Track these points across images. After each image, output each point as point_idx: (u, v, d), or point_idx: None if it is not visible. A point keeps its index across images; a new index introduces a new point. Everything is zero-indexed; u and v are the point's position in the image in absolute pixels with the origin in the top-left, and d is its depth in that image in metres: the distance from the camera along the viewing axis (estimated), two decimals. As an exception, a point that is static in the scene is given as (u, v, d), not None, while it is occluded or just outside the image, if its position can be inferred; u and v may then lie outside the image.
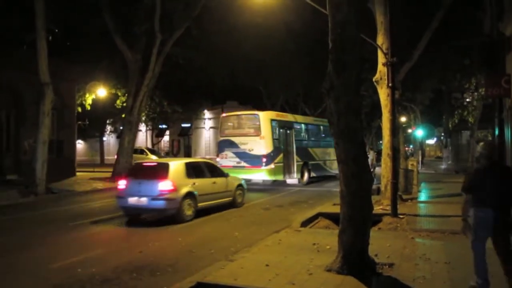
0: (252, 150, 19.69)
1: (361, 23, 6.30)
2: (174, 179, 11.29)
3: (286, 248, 7.79)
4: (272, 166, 19.57)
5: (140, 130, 46.61)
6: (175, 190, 11.15)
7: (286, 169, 20.75)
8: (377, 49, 12.55)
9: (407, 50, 15.60)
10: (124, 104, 25.89)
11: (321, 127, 25.03)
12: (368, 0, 12.99)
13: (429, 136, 57.89)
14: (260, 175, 19.68)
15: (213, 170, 13.51)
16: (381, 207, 12.04)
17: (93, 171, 28.48)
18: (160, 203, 10.99)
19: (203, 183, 12.35)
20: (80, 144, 49.54)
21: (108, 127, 43.55)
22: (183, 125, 45.80)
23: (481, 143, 5.51)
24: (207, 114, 45.02)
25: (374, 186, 15.31)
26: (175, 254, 7.84)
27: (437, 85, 25.91)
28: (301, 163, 21.91)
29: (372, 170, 19.65)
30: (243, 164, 19.64)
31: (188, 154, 46.38)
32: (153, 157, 37.04)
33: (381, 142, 21.49)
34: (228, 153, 20.26)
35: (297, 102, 39.40)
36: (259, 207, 13.93)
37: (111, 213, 12.82)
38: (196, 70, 29.09)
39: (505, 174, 5.23)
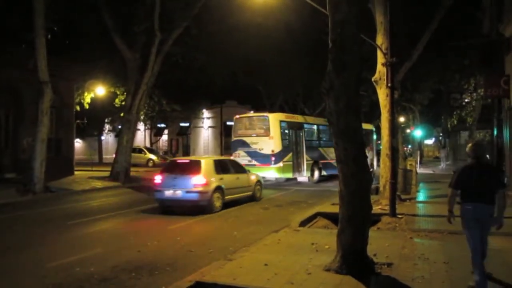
0: (262, 149, 20.85)
1: (361, 23, 6.30)
2: (206, 174, 12.72)
3: (285, 247, 7.78)
4: (280, 164, 20.66)
5: (139, 129, 46.56)
6: (207, 184, 12.55)
7: (296, 168, 21.78)
8: (376, 49, 12.56)
9: (406, 50, 15.61)
10: (123, 103, 25.84)
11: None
12: (368, 0, 12.98)
13: (427, 136, 57.94)
14: (269, 173, 20.64)
15: (236, 167, 14.94)
16: (379, 207, 12.05)
17: (92, 170, 28.40)
18: (193, 196, 12.37)
19: (229, 178, 13.73)
20: (78, 143, 49.43)
21: (107, 126, 43.50)
22: (181, 124, 45.80)
23: (469, 144, 6.00)
24: (205, 113, 45.05)
25: (372, 186, 15.41)
26: (174, 253, 7.82)
27: (436, 86, 25.95)
28: (311, 162, 22.88)
29: (371, 170, 19.83)
30: (254, 162, 20.62)
31: (186, 154, 46.37)
32: (152, 156, 37.10)
33: (379, 142, 21.55)
34: (241, 152, 21.45)
35: (296, 102, 39.40)
36: (258, 207, 13.92)
37: (110, 212, 12.87)
38: (195, 70, 29.04)
39: (489, 172, 5.70)
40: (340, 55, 5.89)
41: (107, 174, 23.44)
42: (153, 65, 22.68)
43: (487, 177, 5.59)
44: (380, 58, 12.36)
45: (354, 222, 6.14)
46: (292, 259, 6.91)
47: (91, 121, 38.26)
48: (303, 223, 10.55)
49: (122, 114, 25.87)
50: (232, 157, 20.68)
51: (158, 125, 44.53)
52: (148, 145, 44.06)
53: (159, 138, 46.60)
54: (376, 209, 11.69)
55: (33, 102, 18.70)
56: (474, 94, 29.08)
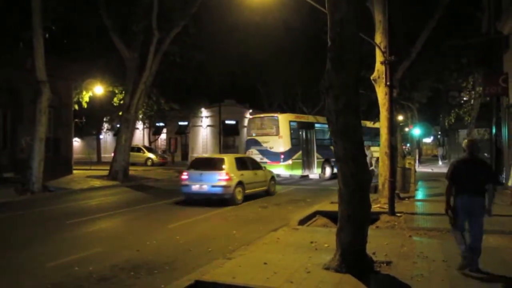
0: (272, 148, 22.43)
1: (359, 22, 6.29)
2: (229, 170, 14.13)
3: (284, 246, 7.78)
4: (289, 162, 22.11)
5: (137, 128, 46.44)
6: (230, 179, 13.95)
7: (306, 165, 23.32)
8: (375, 48, 12.55)
9: (404, 49, 15.60)
10: (121, 102, 25.83)
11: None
12: (367, -1, 12.99)
13: (426, 135, 57.99)
14: (279, 170, 21.79)
15: (254, 164, 16.44)
16: (378, 205, 12.05)
17: (90, 169, 28.37)
18: (218, 189, 13.82)
19: (248, 174, 15.13)
20: (77, 142, 49.33)
21: (105, 125, 43.43)
22: (180, 123, 45.71)
23: (465, 140, 6.55)
24: (204, 112, 44.96)
25: (371, 184, 15.42)
26: (173, 252, 7.82)
27: (435, 84, 25.91)
28: (322, 160, 24.05)
29: (371, 168, 20.08)
30: (265, 160, 21.83)
31: (185, 153, 46.32)
32: (150, 155, 37.04)
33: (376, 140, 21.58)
34: (254, 150, 23.02)
35: (295, 101, 39.40)
36: (257, 206, 13.92)
37: (109, 211, 12.86)
38: (194, 69, 29.01)
39: (481, 166, 6.22)
40: (340, 54, 5.89)
41: (105, 173, 23.44)
42: (151, 64, 22.66)
43: (479, 171, 6.12)
44: (379, 57, 12.35)
45: (353, 220, 6.14)
46: (291, 257, 6.92)
47: (89, 120, 38.21)
48: (302, 222, 10.54)
49: (120, 113, 25.85)
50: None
51: (157, 124, 44.41)
52: (146, 144, 43.97)
53: (158, 137, 46.50)
54: (375, 207, 11.69)
55: (31, 101, 18.67)
56: (473, 92, 29.06)
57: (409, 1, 16.28)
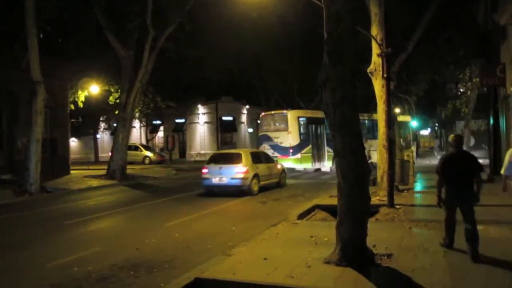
0: (282, 142, 23.83)
1: (355, 15, 6.24)
2: (246, 164, 15.27)
3: (283, 241, 7.75)
4: (298, 156, 23.56)
5: (134, 127, 46.36)
6: (247, 172, 15.13)
7: (316, 159, 24.64)
8: (370, 42, 12.50)
9: (401, 42, 15.55)
10: (117, 101, 25.73)
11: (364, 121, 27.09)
12: (363, -9, 12.92)
13: (423, 127, 58.06)
14: (288, 163, 22.80)
15: (267, 158, 17.79)
16: (377, 198, 12.03)
17: (88, 169, 28.28)
18: (237, 181, 15.02)
19: (262, 167, 16.31)
20: (74, 142, 49.14)
21: (102, 124, 43.29)
22: (177, 120, 45.63)
23: (451, 135, 6.96)
24: (201, 109, 44.88)
25: (370, 177, 15.40)
26: (172, 250, 7.77)
27: (432, 76, 25.90)
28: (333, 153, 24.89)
29: (370, 161, 20.39)
30: (276, 154, 23.05)
31: (183, 150, 46.26)
32: (148, 153, 36.96)
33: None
34: (266, 145, 24.40)
35: (292, 96, 39.32)
36: (256, 201, 13.89)
37: (107, 210, 12.81)
38: (190, 66, 28.93)
39: (468, 159, 6.62)
40: (336, 47, 5.83)
41: (103, 172, 23.36)
42: (147, 62, 22.55)
43: (467, 164, 6.55)
44: (375, 49, 12.30)
45: (353, 214, 6.11)
46: (291, 252, 6.88)
47: (86, 120, 38.15)
48: (301, 216, 10.52)
49: (117, 112, 25.76)
50: None
51: (154, 122, 44.31)
52: (144, 142, 43.88)
53: (155, 135, 46.40)
54: (374, 200, 11.64)
55: (27, 102, 18.58)
56: (469, 83, 29.06)
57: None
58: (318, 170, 25.82)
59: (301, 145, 23.83)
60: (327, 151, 24.70)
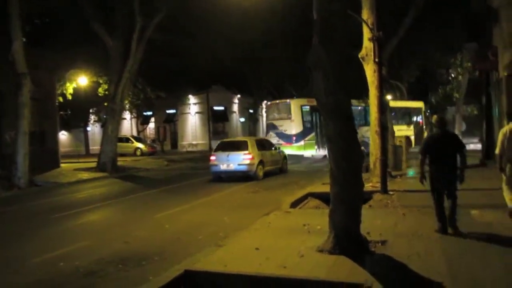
0: (286, 130, 24.82)
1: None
2: (251, 151, 16.27)
3: (276, 230, 7.60)
4: (301, 143, 24.39)
5: (125, 118, 45.94)
6: (253, 158, 16.16)
7: (320, 145, 25.01)
8: (361, 26, 12.29)
9: (392, 27, 15.34)
10: (107, 92, 25.35)
11: (362, 108, 26.86)
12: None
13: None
14: (292, 150, 23.81)
15: (270, 145, 18.88)
16: (370, 184, 11.93)
17: (78, 162, 27.94)
18: (244, 167, 16.08)
19: (266, 154, 17.36)
20: (64, 135, 48.72)
21: (92, 117, 42.78)
22: (168, 111, 45.26)
23: (434, 116, 7.17)
24: (192, 99, 44.50)
25: (363, 164, 15.27)
26: (162, 242, 7.59)
27: (423, 62, 25.78)
28: None
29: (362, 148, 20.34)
30: (280, 142, 24.11)
31: (174, 141, 45.93)
32: (139, 145, 36.59)
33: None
34: (272, 133, 25.61)
35: (283, 83, 39.07)
36: (248, 190, 13.73)
37: (96, 203, 12.59)
38: (179, 55, 28.53)
39: (452, 140, 6.86)
40: (326, 28, 5.61)
41: (94, 165, 23.05)
42: (135, 52, 22.14)
43: (450, 143, 6.79)
44: (367, 33, 12.10)
45: (346, 200, 5.95)
46: (284, 242, 6.73)
47: (75, 112, 37.62)
48: (293, 205, 10.37)
49: (106, 104, 25.39)
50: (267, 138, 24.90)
51: (144, 113, 43.88)
52: (135, 133, 43.48)
53: (146, 126, 46.00)
54: (367, 186, 11.46)
55: (13, 94, 18.20)
56: (459, 69, 28.96)
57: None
58: (326, 156, 25.92)
59: (304, 133, 24.50)
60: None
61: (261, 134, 48.65)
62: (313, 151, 25.12)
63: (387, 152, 12.59)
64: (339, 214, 5.97)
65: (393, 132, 16.60)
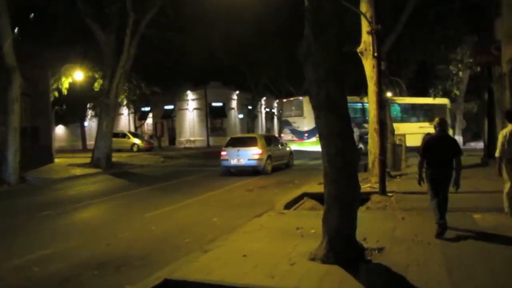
0: (299, 127, 25.63)
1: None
2: (261, 146, 16.97)
3: (267, 233, 7.18)
4: (313, 139, 24.27)
5: (122, 114, 45.55)
6: (262, 153, 16.85)
7: None
8: (360, 22, 11.86)
9: (390, 22, 14.88)
10: (102, 88, 24.90)
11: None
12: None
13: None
14: (304, 146, 24.73)
15: (277, 141, 20.04)
16: (368, 185, 11.52)
17: (73, 157, 27.49)
18: (253, 162, 16.81)
19: (274, 149, 18.19)
20: (61, 130, 48.32)
21: (89, 112, 42.32)
22: (166, 107, 44.84)
23: (436, 118, 7.14)
24: (190, 95, 44.09)
25: (361, 163, 14.85)
26: (146, 245, 7.14)
27: (422, 57, 25.29)
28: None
29: (359, 146, 20.44)
30: (294, 138, 25.24)
31: (172, 137, 45.50)
32: (136, 140, 36.16)
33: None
34: (286, 130, 26.74)
35: (281, 80, 38.64)
36: (242, 189, 13.31)
37: (86, 201, 12.16)
38: (174, 51, 28.09)
39: (449, 143, 6.85)
40: (318, 15, 5.14)
41: (88, 160, 22.62)
42: (128, 47, 21.69)
43: (448, 146, 6.77)
44: (365, 27, 11.66)
45: (340, 204, 5.51)
46: (275, 247, 6.32)
47: (72, 107, 37.09)
48: (288, 205, 9.94)
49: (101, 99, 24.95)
50: (282, 134, 27.31)
51: (142, 109, 43.41)
52: (132, 129, 43.03)
53: (144, 122, 45.57)
54: (365, 187, 11.17)
55: (4, 90, 17.75)
56: (460, 65, 28.42)
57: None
58: None
59: (316, 129, 24.47)
60: None
61: (260, 131, 48.31)
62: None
63: (386, 151, 12.14)
64: (333, 218, 5.53)
65: (393, 130, 16.15)
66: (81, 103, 37.68)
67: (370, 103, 12.17)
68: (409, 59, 22.85)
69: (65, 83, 25.52)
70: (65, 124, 45.46)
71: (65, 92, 25.80)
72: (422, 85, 40.97)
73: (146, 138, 40.68)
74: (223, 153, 17.38)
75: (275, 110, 54.75)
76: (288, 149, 20.01)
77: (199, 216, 9.51)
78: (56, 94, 25.60)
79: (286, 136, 25.51)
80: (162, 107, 44.56)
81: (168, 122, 45.92)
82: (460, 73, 29.94)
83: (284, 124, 27.75)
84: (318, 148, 23.10)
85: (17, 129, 16.87)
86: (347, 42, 13.50)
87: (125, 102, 36.40)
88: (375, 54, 10.87)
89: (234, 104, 46.19)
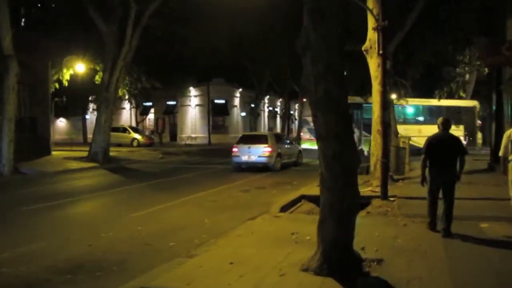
0: None
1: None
2: (271, 144, 17.57)
3: (259, 239, 6.71)
4: None
5: (124, 108, 45.15)
6: (272, 151, 17.44)
7: None
8: (365, 20, 11.38)
9: (398, 20, 14.34)
10: (102, 80, 24.46)
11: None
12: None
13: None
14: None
15: (286, 139, 20.79)
16: (370, 188, 11.03)
17: (71, 150, 27.07)
18: (264, 159, 17.40)
19: (283, 147, 18.80)
20: (62, 122, 47.99)
21: (91, 105, 41.91)
22: (168, 102, 44.39)
23: (440, 118, 7.13)
24: (193, 91, 43.65)
25: (363, 165, 14.35)
26: (129, 247, 6.66)
27: (429, 58, 24.74)
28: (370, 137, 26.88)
29: (360, 148, 20.19)
30: (312, 137, 24.70)
31: (173, 133, 45.05)
32: (136, 135, 35.74)
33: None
34: (305, 129, 27.49)
35: (285, 78, 38.16)
36: (238, 189, 12.80)
37: (74, 196, 11.66)
38: (178, 45, 27.63)
39: (452, 141, 6.84)
40: (318, 4, 4.65)
41: (86, 154, 22.18)
42: (130, 39, 21.27)
43: (451, 145, 6.78)
44: (371, 23, 11.16)
45: (337, 214, 5.01)
46: (266, 254, 5.84)
47: (73, 100, 36.72)
48: (285, 208, 9.44)
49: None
50: (301, 133, 28.69)
51: (144, 104, 42.96)
52: (134, 124, 42.59)
53: (145, 117, 45.09)
54: (366, 191, 10.72)
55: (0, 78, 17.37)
56: (466, 68, 27.85)
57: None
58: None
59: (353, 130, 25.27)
60: (364, 135, 24.97)
61: (262, 129, 47.81)
62: (366, 148, 25.10)
63: (389, 154, 11.63)
64: (328, 227, 5.05)
65: (397, 132, 15.63)
66: (82, 96, 37.29)
67: (374, 103, 11.68)
68: (417, 60, 22.28)
69: (66, 74, 25.17)
70: (66, 116, 45.11)
71: (66, 83, 25.46)
72: (427, 87, 40.43)
73: (147, 133, 40.22)
74: (234, 149, 17.97)
75: (278, 109, 54.23)
76: (297, 147, 20.63)
77: (189, 217, 9.02)
78: (57, 85, 25.25)
79: (305, 135, 25.81)
80: (164, 103, 44.12)
81: (170, 118, 45.47)
82: (467, 75, 29.40)
83: (303, 123, 28.42)
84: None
85: (12, 120, 16.49)
86: (353, 40, 13.04)
87: (126, 96, 36.04)
88: (380, 52, 10.35)
89: (236, 101, 45.70)
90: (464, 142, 24.69)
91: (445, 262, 5.43)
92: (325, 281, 4.74)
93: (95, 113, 43.03)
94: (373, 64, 11.44)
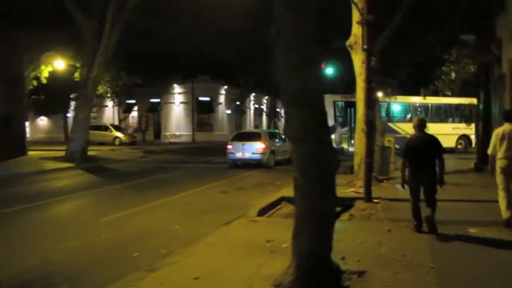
0: None
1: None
2: (264, 141, 18.04)
3: (232, 247, 6.16)
4: (332, 136, 23.77)
5: (106, 106, 44.27)
6: (266, 148, 17.88)
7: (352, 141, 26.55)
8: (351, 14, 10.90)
9: (385, 18, 13.85)
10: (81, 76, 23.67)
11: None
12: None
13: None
14: None
15: (280, 137, 20.67)
16: (353, 189, 10.57)
17: (49, 150, 26.19)
18: (257, 156, 17.85)
19: (276, 145, 19.21)
20: (43, 121, 46.92)
21: (72, 103, 40.92)
22: (152, 100, 43.65)
23: (415, 118, 7.21)
24: (177, 88, 43.00)
25: (347, 164, 13.91)
26: (88, 259, 6.03)
27: (416, 59, 24.41)
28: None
29: (342, 148, 19.94)
30: None
31: (157, 131, 44.32)
32: (118, 134, 34.93)
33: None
34: None
35: (271, 75, 37.58)
36: (217, 190, 12.24)
37: (40, 200, 10.88)
38: (164, 42, 26.99)
39: (430, 142, 6.74)
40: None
41: (63, 154, 21.37)
42: (109, 34, 20.45)
43: (429, 147, 6.69)
44: (356, 18, 10.66)
45: (313, 222, 4.49)
46: (237, 266, 5.30)
47: (54, 98, 35.80)
48: (263, 211, 8.88)
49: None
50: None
51: (127, 102, 42.10)
52: (117, 122, 41.73)
53: (129, 115, 44.25)
54: (349, 192, 10.29)
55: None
56: (452, 66, 27.66)
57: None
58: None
59: (335, 126, 24.85)
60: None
61: (248, 127, 47.26)
62: (345, 146, 25.10)
63: (373, 154, 11.16)
64: (303, 240, 4.50)
65: (382, 131, 15.19)
66: (63, 94, 36.30)
67: (358, 100, 11.22)
68: (403, 58, 21.89)
69: (45, 71, 24.41)
70: (47, 115, 44.07)
71: (44, 81, 24.68)
72: (414, 85, 40.22)
73: (129, 131, 39.37)
74: (229, 146, 18.42)
75: (264, 107, 53.75)
76: (290, 145, 20.08)
77: (160, 222, 8.38)
78: (35, 83, 24.44)
79: None
80: (148, 100, 43.38)
81: (154, 116, 44.73)
82: (453, 74, 29.17)
83: None
84: (338, 146, 22.41)
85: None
86: (342, 36, 12.52)
87: (108, 94, 35.24)
88: (365, 47, 9.85)
89: (222, 99, 45.10)
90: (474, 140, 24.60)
91: (432, 275, 4.92)
92: (299, 300, 4.21)
93: (77, 111, 42.28)
94: (358, 61, 10.98)
